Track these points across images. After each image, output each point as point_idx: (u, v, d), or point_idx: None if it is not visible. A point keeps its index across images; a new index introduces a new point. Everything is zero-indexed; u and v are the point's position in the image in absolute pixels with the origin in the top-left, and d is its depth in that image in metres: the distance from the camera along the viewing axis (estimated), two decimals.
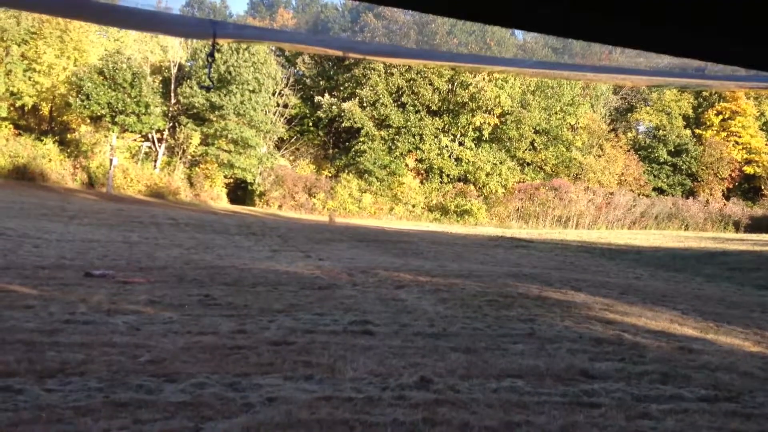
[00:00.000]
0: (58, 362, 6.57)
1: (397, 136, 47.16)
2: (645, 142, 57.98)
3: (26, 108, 41.69)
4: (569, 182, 50.16)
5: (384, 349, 8.15)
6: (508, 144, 49.76)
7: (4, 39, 39.96)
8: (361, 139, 46.58)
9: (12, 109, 41.25)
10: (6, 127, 40.34)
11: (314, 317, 9.79)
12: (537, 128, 50.16)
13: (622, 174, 53.82)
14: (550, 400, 6.56)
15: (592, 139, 53.87)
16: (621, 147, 55.11)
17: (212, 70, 41.34)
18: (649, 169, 55.83)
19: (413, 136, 47.44)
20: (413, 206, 46.67)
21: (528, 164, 51.42)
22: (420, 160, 47.74)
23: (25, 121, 43.23)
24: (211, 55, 3.37)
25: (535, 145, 51.00)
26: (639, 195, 52.39)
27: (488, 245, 27.24)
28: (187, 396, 5.97)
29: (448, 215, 46.34)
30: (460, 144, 49.05)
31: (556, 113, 50.87)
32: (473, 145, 48.93)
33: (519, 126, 48.98)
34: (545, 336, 9.45)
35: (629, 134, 58.57)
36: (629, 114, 60.00)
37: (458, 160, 48.61)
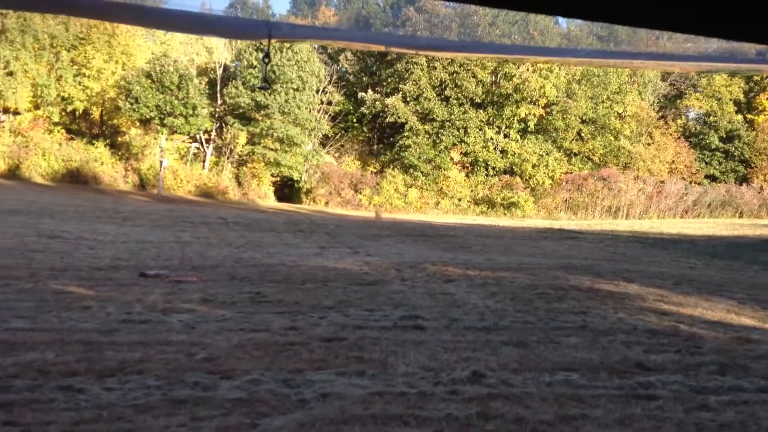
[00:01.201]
0: (116, 361, 6.72)
1: (442, 130, 46.99)
2: (695, 129, 56.72)
3: (77, 112, 42.66)
4: (618, 172, 49.36)
5: (435, 344, 8.15)
6: (554, 134, 49.18)
7: (54, 45, 40.94)
8: (405, 134, 46.53)
9: (64, 113, 42.27)
10: (59, 131, 41.34)
11: (364, 313, 9.84)
12: (584, 118, 49.46)
13: (673, 162, 52.75)
14: (605, 393, 6.49)
15: (640, 127, 52.91)
16: (671, 134, 54.01)
17: (262, 69, 41.73)
18: (700, 156, 54.63)
19: (457, 129, 47.21)
20: (459, 200, 46.47)
21: (575, 154, 50.75)
22: (465, 154, 47.49)
23: (77, 125, 44.24)
24: (266, 56, 3.41)
25: (582, 134, 50.30)
26: (691, 183, 51.29)
27: (536, 237, 26.99)
28: (242, 393, 6.06)
29: (495, 208, 46.02)
30: (506, 136, 48.66)
31: (602, 102, 50.09)
32: (519, 137, 48.48)
33: (565, 116, 48.36)
34: (598, 328, 9.34)
35: (679, 121, 57.34)
36: (678, 100, 58.74)
37: (504, 152, 48.23)
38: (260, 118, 42.38)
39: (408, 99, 46.67)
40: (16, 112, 40.30)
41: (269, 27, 2.93)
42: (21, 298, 9.43)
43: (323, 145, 48.41)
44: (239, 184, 42.92)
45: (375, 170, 47.95)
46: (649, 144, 52.89)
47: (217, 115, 43.78)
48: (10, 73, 38.90)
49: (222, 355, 7.18)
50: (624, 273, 15.73)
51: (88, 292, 10.22)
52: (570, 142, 49.92)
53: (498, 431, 5.50)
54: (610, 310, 10.74)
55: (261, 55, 41.72)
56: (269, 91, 41.43)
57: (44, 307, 8.94)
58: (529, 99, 47.10)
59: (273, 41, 3.40)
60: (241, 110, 42.71)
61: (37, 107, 40.69)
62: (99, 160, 40.37)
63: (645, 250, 23.56)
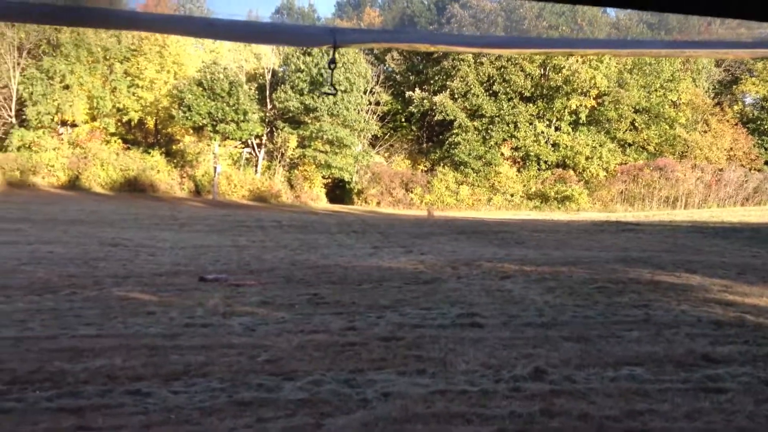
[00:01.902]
0: (181, 365, 6.85)
1: (491, 126, 46.66)
2: (753, 114, 55.16)
3: (132, 122, 43.62)
4: (675, 161, 48.30)
5: (494, 341, 8.10)
6: (607, 125, 48.39)
7: (107, 58, 41.95)
8: (454, 131, 46.35)
9: (119, 124, 43.28)
10: (115, 142, 42.36)
11: (421, 312, 9.83)
12: (637, 107, 48.54)
13: (731, 149, 51.39)
14: (672, 387, 6.36)
15: (696, 115, 51.69)
16: (728, 121, 52.63)
17: (305, 74, 42.10)
18: (759, 142, 53.10)
19: (507, 124, 46.82)
20: (512, 195, 46.09)
21: (629, 145, 49.84)
22: (516, 148, 47.07)
23: (133, 135, 45.25)
24: (332, 61, 3.44)
25: (636, 124, 49.37)
26: (750, 170, 49.90)
27: (592, 231, 26.59)
28: (305, 393, 6.11)
29: (548, 202, 45.50)
30: (557, 129, 48.07)
31: (656, 90, 49.08)
32: (570, 130, 47.85)
33: (617, 106, 47.54)
34: (661, 321, 9.16)
35: (735, 107, 55.84)
36: (734, 86, 57.18)
37: (555, 145, 47.64)
38: (310, 121, 42.71)
39: (456, 96, 46.47)
40: (73, 125, 41.43)
41: (334, 33, 2.96)
42: (87, 305, 9.69)
43: (373, 145, 48.52)
44: (291, 186, 43.33)
45: (425, 169, 47.87)
46: (705, 131, 51.65)
47: (267, 120, 44.28)
48: (67, 87, 39.99)
49: (283, 357, 7.26)
50: (685, 264, 15.39)
51: (151, 297, 10.44)
52: (624, 133, 49.05)
53: (563, 428, 5.44)
54: (673, 303, 10.53)
55: (307, 58, 42.08)
56: (317, 94, 41.74)
57: (110, 313, 9.16)
58: (579, 90, 46.44)
59: (324, 48, 3.42)
60: (290, 114, 43.12)
61: (93, 119, 41.75)
62: (155, 168, 41.23)
63: (706, 240, 23.01)
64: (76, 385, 6.15)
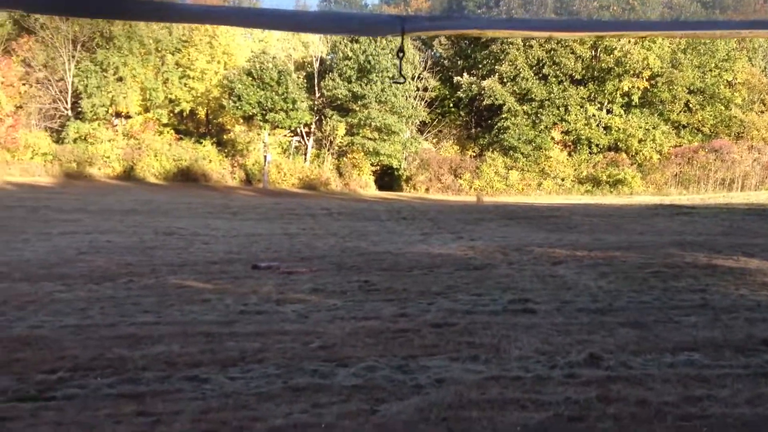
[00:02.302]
0: (237, 351, 6.97)
1: (541, 110, 46.05)
2: None
3: (184, 113, 44.27)
4: (731, 142, 47.03)
5: (548, 327, 8.04)
6: (660, 107, 47.32)
7: (159, 49, 42.61)
8: (503, 116, 45.88)
9: (172, 115, 43.96)
10: (168, 132, 43.06)
11: (473, 298, 9.81)
12: (691, 88, 47.34)
13: None
14: (731, 373, 6.24)
15: (752, 95, 50.20)
16: None
17: (352, 61, 42.13)
18: None
19: (557, 107, 46.15)
20: (562, 180, 45.49)
21: (684, 126, 48.67)
22: (566, 132, 46.39)
23: (185, 125, 45.93)
24: (401, 50, 3.43)
25: (690, 105, 48.17)
26: None
27: (646, 214, 26.12)
28: (359, 379, 6.17)
29: (600, 186, 44.79)
30: (608, 112, 47.20)
31: (710, 70, 47.77)
32: (622, 112, 46.93)
33: (671, 87, 46.44)
34: (719, 306, 8.98)
35: None
36: None
37: (607, 128, 46.82)
38: (358, 109, 42.77)
39: (505, 80, 45.96)
40: (127, 116, 42.24)
41: (402, 22, 2.96)
42: (144, 293, 9.91)
43: (421, 131, 48.36)
44: (340, 174, 43.50)
45: (474, 154, 47.53)
46: (762, 112, 50.14)
47: (315, 108, 44.49)
48: (120, 79, 40.78)
49: (336, 343, 7.33)
50: (743, 247, 15.03)
51: (206, 285, 10.63)
52: (678, 114, 47.92)
53: (620, 414, 5.38)
54: (731, 287, 10.30)
55: (354, 46, 42.08)
56: (365, 81, 41.74)
57: (166, 301, 9.36)
58: (631, 72, 45.48)
59: (414, 34, 3.40)
60: (338, 102, 43.23)
61: (146, 110, 42.50)
62: (207, 158, 41.81)
63: (764, 223, 22.42)
64: (136, 372, 6.30)
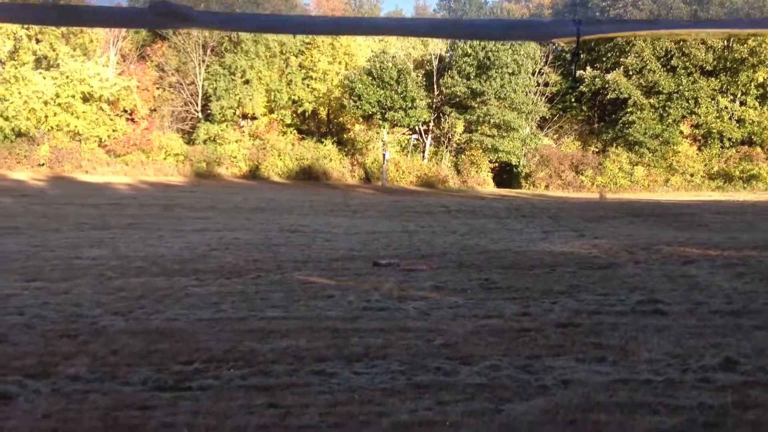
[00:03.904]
0: (362, 347, 7.10)
1: (669, 103, 44.23)
2: None
3: (306, 113, 45.45)
4: None
5: (679, 329, 7.74)
6: None
7: (283, 52, 43.91)
8: (628, 110, 44.38)
9: (294, 115, 45.22)
10: (291, 132, 44.35)
11: (598, 298, 9.57)
12: None
13: None
14: None
15: None
16: None
17: (471, 58, 41.92)
18: None
19: (687, 100, 44.20)
20: (691, 175, 43.55)
21: None
22: (696, 126, 44.36)
23: (307, 125, 47.16)
24: (575, 54, 3.41)
25: None
26: None
27: None
28: (483, 378, 6.14)
29: (733, 182, 42.56)
30: (742, 104, 44.77)
31: None
32: (757, 104, 44.39)
33: None
34: None
35: None
36: None
37: (740, 121, 44.42)
38: (476, 106, 42.53)
39: (630, 73, 44.45)
40: (253, 117, 43.81)
41: (578, 25, 2.93)
42: (272, 288, 10.25)
43: (541, 127, 47.51)
44: (458, 172, 43.41)
45: (597, 150, 46.25)
46: None
47: (434, 106, 44.58)
48: (247, 81, 42.32)
49: (459, 341, 7.33)
50: None
51: (330, 281, 10.87)
52: None
53: (759, 421, 5.12)
54: None
55: (474, 42, 41.85)
56: (485, 77, 41.43)
57: (293, 296, 9.65)
58: (767, 62, 42.93)
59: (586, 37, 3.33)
60: (457, 99, 43.15)
61: (271, 111, 43.93)
62: (328, 157, 42.76)
63: None
64: (266, 365, 6.54)
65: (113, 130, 39.99)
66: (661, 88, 44.06)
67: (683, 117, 44.15)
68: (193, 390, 5.88)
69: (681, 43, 44.02)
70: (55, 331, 7.65)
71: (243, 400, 5.62)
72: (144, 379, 6.12)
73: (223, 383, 6.06)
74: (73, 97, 38.72)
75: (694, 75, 44.28)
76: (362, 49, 46.47)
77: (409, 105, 41.56)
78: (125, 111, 41.17)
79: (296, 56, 44.13)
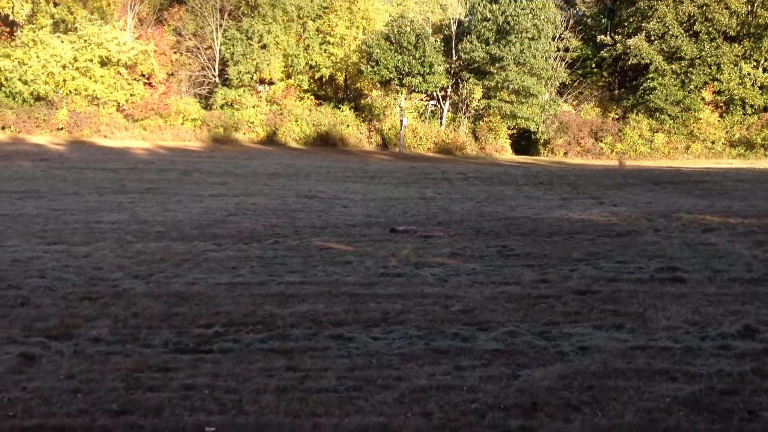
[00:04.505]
0: (379, 312, 7.14)
1: (691, 69, 43.55)
2: None
3: (324, 79, 45.18)
4: None
5: (698, 297, 7.72)
6: None
7: (301, 16, 43.54)
8: (649, 76, 43.74)
9: (312, 81, 44.98)
10: (308, 98, 44.13)
11: (617, 265, 9.54)
12: None
13: None
14: None
15: None
16: None
17: (491, 23, 41.39)
18: None
19: (709, 66, 43.48)
20: (712, 143, 43.03)
21: None
22: (718, 92, 43.70)
23: (324, 91, 46.90)
24: (611, 11, 3.34)
25: None
26: None
27: None
28: (500, 344, 6.17)
29: (754, 150, 42.03)
30: (765, 70, 44.00)
31: None
32: None
33: None
34: None
35: None
36: None
37: (763, 88, 43.70)
38: (495, 71, 42.09)
39: (652, 38, 43.71)
40: (270, 83, 43.63)
41: None
42: (290, 254, 10.31)
43: (560, 93, 46.99)
44: (476, 138, 43.12)
45: (616, 116, 45.72)
46: None
47: (452, 72, 44.16)
48: (264, 46, 42.06)
49: (476, 307, 7.35)
50: None
51: (347, 247, 10.91)
52: None
53: None
54: None
55: (494, 6, 41.30)
56: (504, 43, 40.92)
57: (311, 262, 9.70)
58: None
59: None
60: (475, 64, 42.70)
61: (288, 76, 43.69)
62: (345, 122, 42.57)
63: None
64: (285, 329, 6.60)
65: (131, 95, 39.98)
66: (683, 54, 43.36)
67: (705, 83, 43.50)
68: (213, 353, 5.95)
69: (704, 7, 43.18)
70: (76, 294, 7.75)
71: (262, 363, 5.68)
72: (165, 342, 6.20)
73: (243, 346, 6.13)
74: (91, 61, 38.68)
75: (717, 40, 43.50)
76: (380, 13, 45.96)
77: (427, 70, 41.19)
78: (143, 75, 41.08)
79: (313, 21, 43.73)
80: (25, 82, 37.72)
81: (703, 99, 43.38)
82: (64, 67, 38.28)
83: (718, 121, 43.51)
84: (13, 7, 38.81)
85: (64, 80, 38.45)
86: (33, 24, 39.37)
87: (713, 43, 43.29)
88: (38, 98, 38.31)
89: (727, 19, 43.03)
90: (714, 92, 43.52)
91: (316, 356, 5.87)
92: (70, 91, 38.56)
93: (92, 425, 4.52)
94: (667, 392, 5.06)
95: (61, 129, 37.72)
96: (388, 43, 41.07)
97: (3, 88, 37.77)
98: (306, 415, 4.68)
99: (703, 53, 43.09)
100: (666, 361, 5.72)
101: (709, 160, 40.18)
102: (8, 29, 40.50)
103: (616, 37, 44.31)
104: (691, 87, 43.17)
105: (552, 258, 10.07)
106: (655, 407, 4.81)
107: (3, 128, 36.68)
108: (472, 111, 43.93)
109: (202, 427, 4.51)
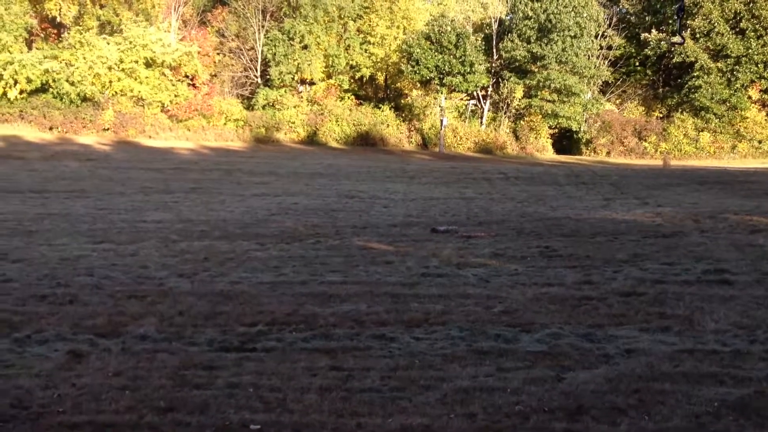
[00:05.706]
0: (421, 312, 7.14)
1: (737, 67, 42.68)
2: None
3: (364, 79, 45.27)
4: None
5: (747, 300, 7.57)
6: None
7: (342, 17, 43.69)
8: (695, 74, 42.99)
9: (352, 81, 45.11)
10: (349, 98, 44.26)
11: (662, 267, 9.40)
12: None
13: None
14: None
15: None
16: None
17: (532, 21, 41.05)
18: None
19: (756, 64, 42.57)
20: (759, 142, 42.14)
21: None
22: (765, 91, 42.77)
23: (364, 91, 46.99)
24: (681, 9, 3.32)
25: None
26: None
27: None
28: (543, 346, 6.12)
29: None
30: None
31: None
32: None
33: None
34: None
35: None
36: None
37: None
38: (536, 70, 41.75)
39: (697, 35, 42.96)
40: (311, 83, 43.85)
41: None
42: (331, 253, 10.36)
43: (603, 92, 46.43)
44: (517, 138, 42.82)
45: (661, 115, 45.03)
46: None
47: (493, 71, 43.92)
48: (305, 47, 42.30)
49: (519, 309, 7.31)
50: None
51: (388, 247, 10.92)
52: None
53: None
54: None
55: (535, 5, 41.00)
56: (545, 41, 40.55)
57: (352, 261, 9.74)
58: None
59: None
60: (517, 63, 42.40)
61: (329, 76, 43.88)
62: (385, 122, 42.60)
63: None
64: (327, 328, 6.64)
65: (175, 96, 40.52)
66: (729, 52, 42.51)
67: (752, 81, 42.60)
68: (257, 351, 6.01)
69: (751, 4, 42.28)
70: (123, 292, 7.89)
71: (306, 362, 5.72)
72: (210, 340, 6.28)
73: (286, 345, 6.18)
74: (136, 62, 39.31)
75: (765, 38, 42.56)
76: (421, 12, 45.89)
77: (468, 70, 41.01)
78: (186, 76, 41.63)
79: (354, 21, 43.86)
80: (72, 84, 38.45)
81: (749, 97, 42.52)
82: (110, 68, 38.95)
83: (766, 120, 42.62)
84: (60, 9, 39.59)
85: (110, 81, 39.12)
86: (80, 26, 40.16)
87: (760, 41, 42.40)
88: (85, 99, 39.03)
89: None
90: (761, 90, 42.64)
91: (358, 356, 5.89)
92: (116, 92, 39.23)
93: (140, 422, 4.60)
94: (715, 396, 4.97)
95: (107, 129, 38.39)
96: (428, 42, 41.01)
97: (51, 90, 38.53)
98: (349, 415, 4.70)
99: (750, 51, 42.23)
100: (714, 364, 5.62)
101: (756, 159, 39.36)
102: (56, 31, 41.40)
103: (660, 35, 43.60)
104: (738, 85, 42.34)
105: (596, 259, 9.95)
106: (703, 411, 4.73)
107: (51, 129, 37.42)
108: (513, 110, 43.63)
109: (247, 424, 4.56)
